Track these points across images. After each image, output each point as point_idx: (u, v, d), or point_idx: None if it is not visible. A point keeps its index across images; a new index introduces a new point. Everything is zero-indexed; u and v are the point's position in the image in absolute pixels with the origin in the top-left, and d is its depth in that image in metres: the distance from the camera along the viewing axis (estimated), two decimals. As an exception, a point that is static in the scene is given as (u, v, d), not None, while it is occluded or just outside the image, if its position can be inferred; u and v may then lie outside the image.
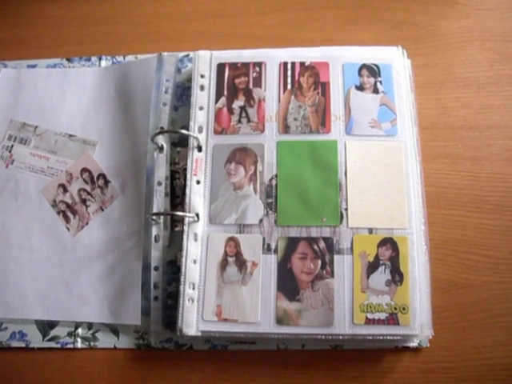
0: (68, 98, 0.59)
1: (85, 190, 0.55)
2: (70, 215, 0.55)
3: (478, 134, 0.55)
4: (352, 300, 0.47)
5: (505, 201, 0.53)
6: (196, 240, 0.50)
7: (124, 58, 0.60)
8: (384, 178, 0.50)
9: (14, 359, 0.51)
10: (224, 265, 0.49)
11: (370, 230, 0.49)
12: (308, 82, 0.54)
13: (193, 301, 0.48)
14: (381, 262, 0.48)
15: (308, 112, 0.53)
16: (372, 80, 0.54)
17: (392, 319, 0.46)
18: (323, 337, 0.46)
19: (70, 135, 0.57)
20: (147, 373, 0.50)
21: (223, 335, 0.48)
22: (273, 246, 0.49)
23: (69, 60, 0.61)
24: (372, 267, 0.48)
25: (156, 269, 0.51)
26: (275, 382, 0.49)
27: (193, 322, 0.48)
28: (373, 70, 0.54)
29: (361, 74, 0.54)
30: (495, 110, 0.56)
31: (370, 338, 0.46)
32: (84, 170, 0.56)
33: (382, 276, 0.48)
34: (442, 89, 0.57)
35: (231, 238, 0.50)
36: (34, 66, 0.61)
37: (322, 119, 0.53)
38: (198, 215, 0.51)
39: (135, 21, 0.63)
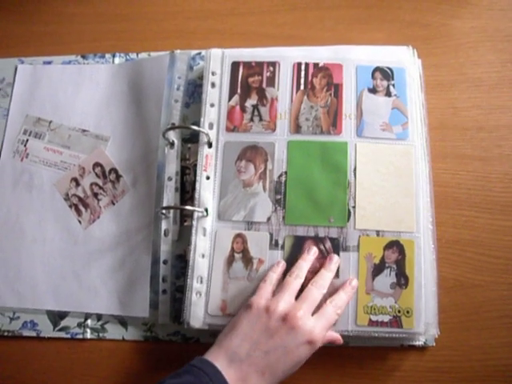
0: (82, 94, 0.60)
1: (97, 184, 0.56)
2: (82, 208, 0.56)
3: (488, 135, 0.55)
4: (356, 301, 0.47)
5: (514, 202, 0.52)
6: (204, 235, 0.51)
7: (137, 55, 0.61)
8: (393, 182, 0.50)
9: (25, 348, 0.53)
10: (230, 261, 0.49)
11: (377, 233, 0.49)
12: (321, 83, 0.54)
13: (200, 294, 0.49)
14: (386, 265, 0.48)
15: (320, 113, 0.53)
16: (385, 83, 0.54)
17: (395, 322, 0.46)
18: None
19: (83, 130, 0.58)
20: (154, 365, 0.51)
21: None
22: (280, 242, 0.50)
23: (83, 57, 0.62)
24: (377, 269, 0.48)
25: (165, 262, 0.52)
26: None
27: (200, 315, 0.48)
28: (386, 73, 0.54)
29: (374, 76, 0.54)
30: (506, 111, 0.56)
31: (376, 334, 0.47)
32: (96, 164, 0.57)
33: (387, 278, 0.48)
34: (453, 89, 0.57)
35: (239, 235, 0.50)
36: (49, 63, 0.62)
37: (334, 120, 0.53)
38: (206, 210, 0.51)
39: (149, 19, 0.64)
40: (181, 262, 0.53)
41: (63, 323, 0.53)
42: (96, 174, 0.57)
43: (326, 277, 0.47)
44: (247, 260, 0.49)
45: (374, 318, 0.47)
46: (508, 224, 0.52)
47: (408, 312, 0.46)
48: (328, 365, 0.49)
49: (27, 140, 0.59)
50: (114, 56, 0.62)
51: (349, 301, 0.47)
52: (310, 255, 0.48)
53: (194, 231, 0.51)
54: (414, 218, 0.49)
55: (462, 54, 0.58)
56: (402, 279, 0.47)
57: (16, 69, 0.62)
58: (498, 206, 0.53)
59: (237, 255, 0.50)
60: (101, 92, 0.60)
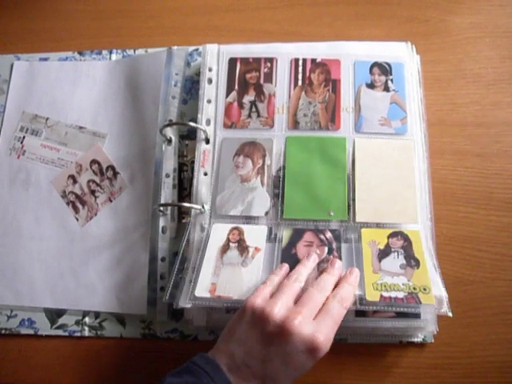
0: (79, 90, 0.59)
1: (94, 181, 0.56)
2: (79, 206, 0.56)
3: (486, 131, 0.55)
4: (363, 280, 0.44)
5: (513, 198, 0.52)
6: (202, 231, 0.50)
7: (134, 51, 0.61)
8: (393, 175, 0.50)
9: (23, 346, 0.52)
10: (225, 249, 0.48)
11: (378, 225, 0.48)
12: (319, 78, 0.54)
13: (189, 278, 0.47)
14: (393, 250, 0.46)
15: (318, 108, 0.53)
16: (383, 78, 0.53)
17: (412, 298, 0.43)
18: None
19: (81, 127, 0.58)
20: (152, 362, 0.51)
21: (216, 305, 0.45)
22: (278, 236, 0.49)
23: (80, 53, 0.62)
24: (383, 253, 0.46)
25: (163, 260, 0.52)
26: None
27: (185, 295, 0.46)
28: (384, 68, 0.54)
29: (372, 71, 0.54)
30: (505, 107, 0.56)
31: (393, 308, 0.43)
32: (93, 161, 0.57)
33: (395, 261, 0.45)
34: (451, 85, 0.57)
35: (235, 228, 0.49)
36: (46, 59, 0.62)
37: (332, 116, 0.53)
38: (204, 207, 0.51)
39: (146, 15, 0.64)
40: (179, 259, 0.53)
41: (61, 321, 0.53)
42: (93, 171, 0.57)
43: (328, 280, 0.43)
44: (243, 248, 0.48)
45: (385, 293, 0.43)
46: (506, 220, 0.52)
47: (425, 289, 0.43)
48: (326, 361, 0.48)
49: (24, 137, 0.59)
50: (110, 52, 0.61)
51: (354, 291, 0.43)
52: (310, 262, 0.45)
53: (190, 227, 0.50)
54: (417, 210, 0.48)
55: (460, 50, 0.58)
56: (413, 261, 0.45)
57: (12, 65, 0.62)
58: (497, 202, 0.52)
59: (232, 244, 0.49)
60: (98, 89, 0.59)
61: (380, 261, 0.46)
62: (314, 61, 0.55)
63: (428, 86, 0.56)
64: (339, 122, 0.52)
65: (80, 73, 0.60)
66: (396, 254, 0.46)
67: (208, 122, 0.54)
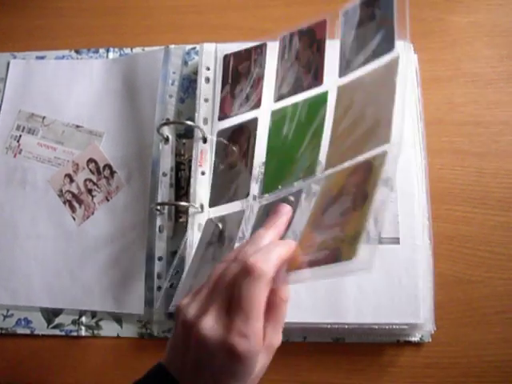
0: (76, 89, 0.59)
1: (91, 180, 0.56)
2: (76, 205, 0.55)
3: (485, 130, 0.55)
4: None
5: (511, 197, 0.52)
6: (199, 230, 0.50)
7: (131, 50, 0.61)
8: (372, 102, 0.40)
9: (19, 345, 0.52)
10: (208, 246, 0.47)
11: (345, 162, 0.39)
12: (304, 45, 0.50)
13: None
14: (344, 192, 0.37)
15: (301, 73, 0.49)
16: (369, 10, 0.44)
17: (332, 256, 0.32)
18: None
19: (77, 126, 0.58)
20: (150, 362, 0.50)
21: None
22: (253, 218, 0.45)
23: (77, 52, 0.61)
24: (332, 201, 0.37)
25: (160, 259, 0.52)
26: (275, 373, 0.49)
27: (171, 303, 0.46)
28: (370, 2, 0.44)
29: (360, 12, 0.45)
30: (503, 106, 0.55)
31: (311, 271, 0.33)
32: (90, 160, 0.56)
33: (340, 206, 0.36)
34: (450, 84, 0.57)
35: (219, 219, 0.48)
36: (42, 58, 0.62)
37: (315, 74, 0.48)
38: (202, 206, 0.51)
39: (143, 13, 0.63)
40: (176, 258, 0.52)
41: (57, 320, 0.52)
42: (90, 170, 0.56)
43: (254, 241, 0.34)
44: (223, 242, 0.47)
45: (312, 257, 0.34)
46: (505, 220, 0.52)
47: (355, 238, 0.32)
48: (323, 361, 0.49)
49: (20, 136, 0.59)
50: (108, 51, 0.61)
51: (284, 255, 0.33)
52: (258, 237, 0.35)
53: (189, 227, 0.50)
54: (392, 127, 0.36)
55: (458, 49, 0.58)
56: (359, 200, 0.34)
57: (8, 64, 0.61)
58: (495, 201, 0.52)
59: (214, 238, 0.48)
60: (95, 87, 0.59)
61: (324, 213, 0.36)
62: (300, 31, 0.51)
63: (426, 86, 0.56)
64: (322, 77, 0.47)
65: (77, 71, 0.60)
66: (346, 196, 0.36)
67: (205, 121, 0.53)
